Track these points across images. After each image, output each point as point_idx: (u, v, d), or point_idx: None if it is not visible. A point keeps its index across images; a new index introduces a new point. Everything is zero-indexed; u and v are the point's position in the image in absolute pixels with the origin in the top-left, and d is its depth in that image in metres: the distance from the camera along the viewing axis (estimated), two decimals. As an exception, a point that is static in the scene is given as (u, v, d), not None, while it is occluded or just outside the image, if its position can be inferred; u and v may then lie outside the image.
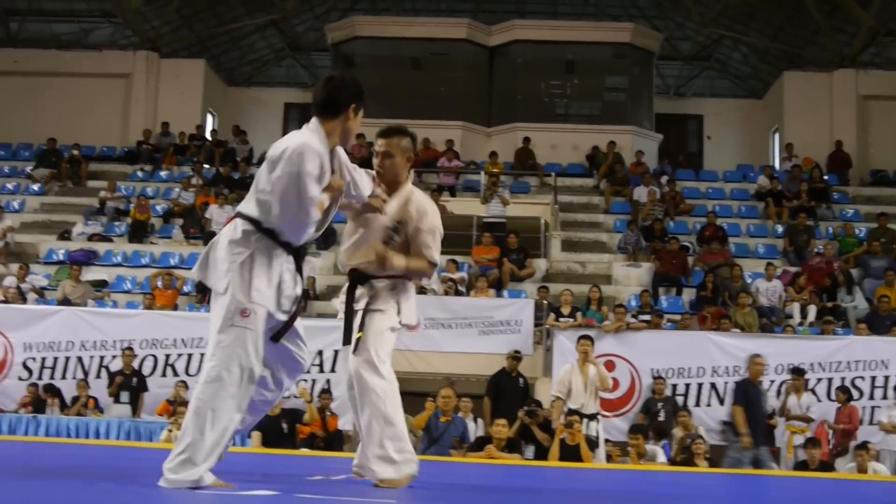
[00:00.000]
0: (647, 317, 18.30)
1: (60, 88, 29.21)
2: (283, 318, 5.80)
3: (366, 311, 6.47)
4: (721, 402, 16.83)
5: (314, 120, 5.98)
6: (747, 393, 14.33)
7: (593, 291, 18.72)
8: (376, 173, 6.57)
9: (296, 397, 16.12)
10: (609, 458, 14.60)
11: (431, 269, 6.62)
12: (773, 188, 24.55)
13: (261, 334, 5.62)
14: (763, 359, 14.71)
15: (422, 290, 18.99)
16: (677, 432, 15.43)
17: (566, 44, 29.75)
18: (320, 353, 17.36)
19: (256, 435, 14.91)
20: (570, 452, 13.47)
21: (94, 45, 30.55)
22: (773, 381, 16.34)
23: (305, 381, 16.87)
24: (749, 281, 20.51)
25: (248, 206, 5.72)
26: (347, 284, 6.57)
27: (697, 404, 16.82)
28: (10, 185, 26.29)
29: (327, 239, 22.36)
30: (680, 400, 16.74)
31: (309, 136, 5.84)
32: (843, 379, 16.87)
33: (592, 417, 14.58)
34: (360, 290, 6.53)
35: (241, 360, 5.51)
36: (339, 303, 6.72)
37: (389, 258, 6.37)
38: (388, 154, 6.61)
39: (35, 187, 25.94)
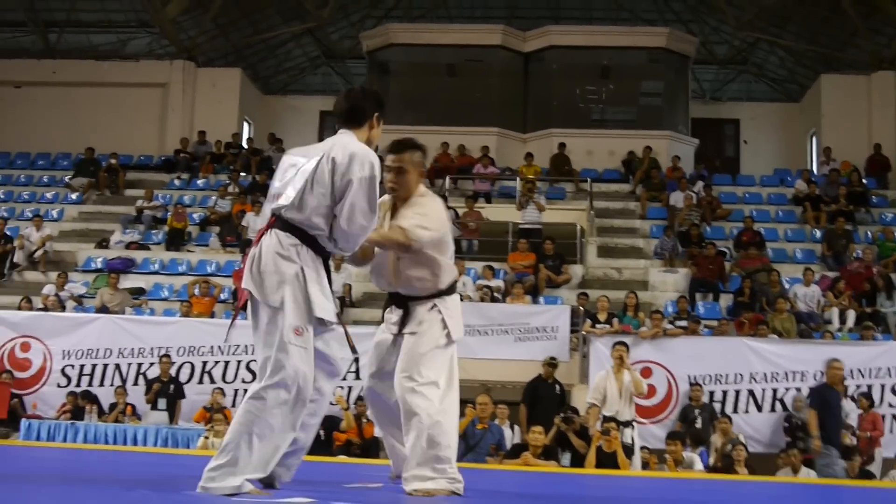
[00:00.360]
0: (683, 323, 18.22)
1: (98, 98, 29.43)
2: (339, 327, 5.83)
3: (404, 334, 6.48)
4: (759, 408, 16.73)
5: (344, 130, 5.95)
6: (824, 397, 14.33)
7: (630, 297, 18.64)
8: (390, 189, 6.51)
9: (332, 404, 16.14)
10: (646, 465, 14.53)
11: (407, 241, 6.30)
12: (811, 192, 24.38)
13: (312, 351, 5.62)
14: (841, 363, 14.66)
15: (457, 297, 18.96)
16: (716, 439, 15.35)
17: (601, 49, 29.65)
18: (356, 360, 17.30)
19: (293, 442, 14.90)
20: (606, 459, 13.43)
21: (132, 56, 30.77)
22: (811, 388, 16.20)
23: (342, 388, 16.90)
24: (787, 286, 20.38)
25: (292, 212, 5.67)
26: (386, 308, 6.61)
27: (735, 411, 16.67)
28: (48, 195, 26.51)
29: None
30: (717, 407, 16.63)
31: (359, 144, 5.80)
32: (882, 386, 16.71)
33: (627, 424, 14.50)
34: (397, 314, 6.58)
35: (297, 378, 5.52)
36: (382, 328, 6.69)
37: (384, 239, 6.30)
38: (401, 170, 6.52)
39: (73, 196, 26.13)
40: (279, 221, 5.73)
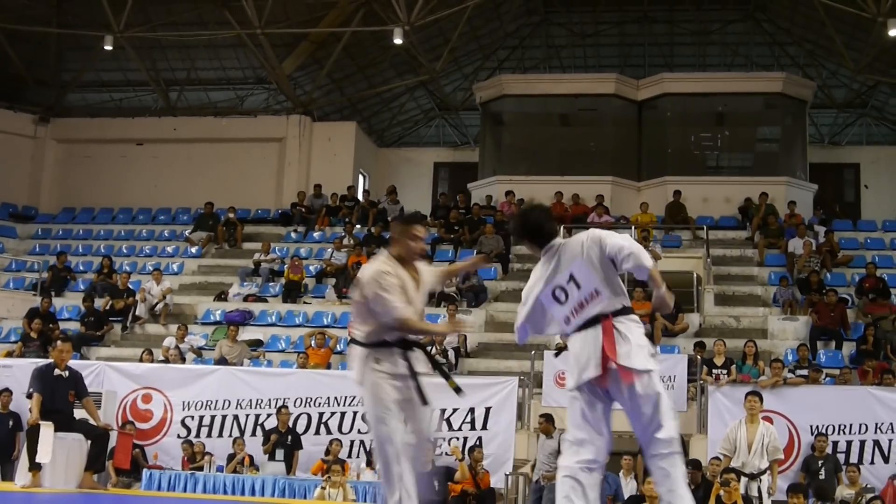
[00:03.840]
0: (804, 371, 17.82)
1: (217, 154, 30.02)
2: None
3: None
4: (886, 459, 16.26)
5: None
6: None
7: (748, 346, 18.30)
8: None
9: (447, 455, 16.11)
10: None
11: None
12: (936, 237, 23.79)
13: None
14: None
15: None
16: (842, 491, 14.93)
17: (716, 95, 29.37)
18: (472, 410, 17.34)
19: (409, 492, 14.89)
20: (726, 511, 13.14)
21: (249, 111, 31.36)
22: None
23: (458, 438, 16.88)
24: (912, 333, 19.86)
25: (610, 301, 6.58)
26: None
27: (860, 462, 16.22)
28: (169, 249, 27.05)
29: (478, 297, 22.43)
30: (841, 458, 16.19)
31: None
32: None
33: (754, 477, 14.11)
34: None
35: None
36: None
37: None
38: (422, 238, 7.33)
39: (193, 250, 26.58)
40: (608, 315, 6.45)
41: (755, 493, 13.98)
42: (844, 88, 31.91)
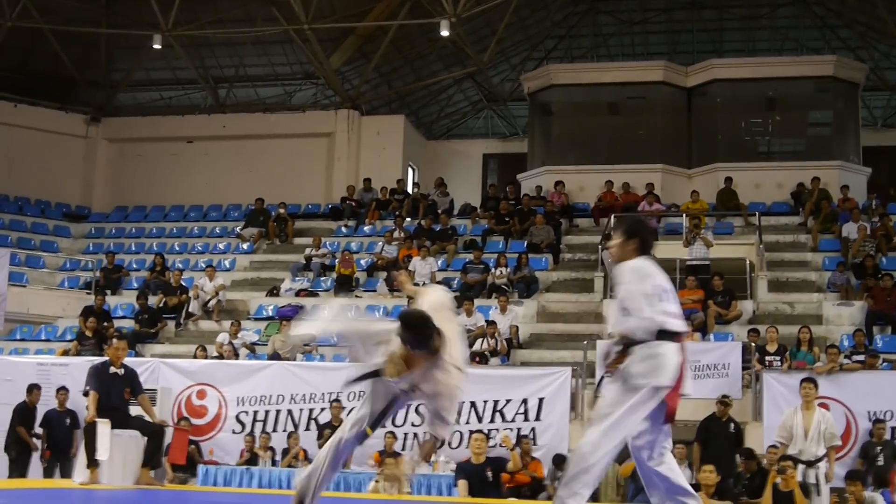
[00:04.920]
0: (861, 357, 17.61)
1: (267, 150, 30.18)
2: None
3: None
4: (947, 445, 16.03)
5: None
6: None
7: (803, 332, 18.12)
8: None
9: (501, 446, 16.09)
10: (829, 505, 14.00)
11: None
12: None
13: None
14: None
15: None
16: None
17: (766, 80, 29.09)
18: (525, 401, 17.31)
19: (462, 483, 14.92)
20: (783, 499, 13.03)
21: (298, 107, 31.53)
22: None
23: (511, 430, 16.85)
24: (970, 316, 19.59)
25: None
26: None
27: (919, 447, 16.03)
28: (221, 245, 27.23)
29: (529, 287, 22.38)
30: (900, 443, 16.01)
31: None
32: None
33: (811, 464, 13.97)
34: None
35: None
36: None
37: None
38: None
39: (244, 246, 26.74)
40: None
41: (812, 481, 13.82)
42: (897, 70, 31.52)
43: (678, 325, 7.15)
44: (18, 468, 17.31)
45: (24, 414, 17.77)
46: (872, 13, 28.64)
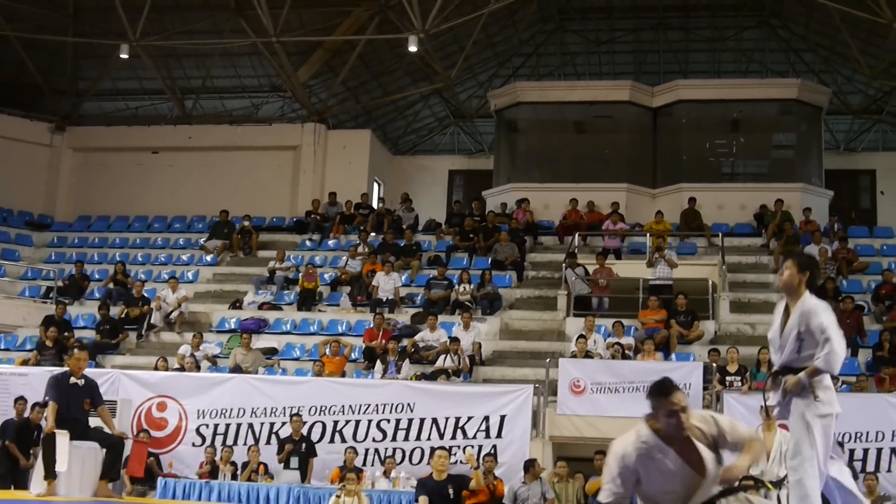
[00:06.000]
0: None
1: (232, 162, 30.11)
2: None
3: None
4: (902, 467, 16.17)
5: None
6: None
7: (763, 353, 18.18)
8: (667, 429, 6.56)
9: (462, 463, 16.09)
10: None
11: (760, 440, 6.85)
12: (953, 244, 23.66)
13: None
14: None
15: (587, 355, 18.84)
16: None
17: (731, 102, 29.32)
18: (486, 418, 17.32)
19: (423, 500, 14.90)
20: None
21: (264, 119, 31.50)
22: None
23: (472, 446, 16.85)
24: (930, 340, 19.76)
25: None
26: None
27: (877, 469, 16.12)
28: (184, 257, 27.11)
29: (493, 304, 22.41)
30: (858, 466, 16.10)
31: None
32: None
33: (777, 485, 13.98)
34: None
35: None
36: None
37: (737, 473, 6.51)
38: (685, 410, 6.52)
39: (208, 258, 26.64)
40: None
41: (775, 502, 13.86)
42: (860, 94, 31.83)
43: None
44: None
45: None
46: (836, 37, 28.92)
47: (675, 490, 6.45)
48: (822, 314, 7.57)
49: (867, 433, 16.34)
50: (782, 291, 7.94)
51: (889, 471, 16.16)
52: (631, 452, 6.50)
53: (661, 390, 6.53)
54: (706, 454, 6.41)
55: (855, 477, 15.36)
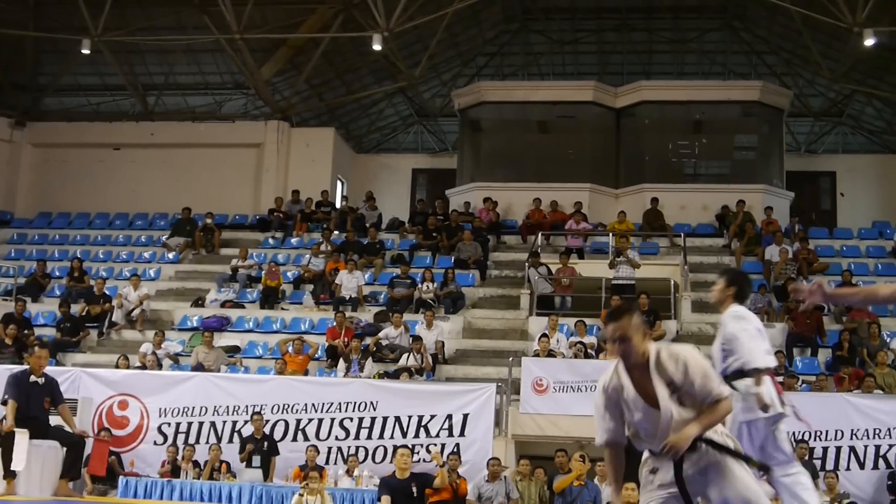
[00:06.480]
0: (780, 378, 17.84)
1: (195, 159, 29.95)
2: None
3: None
4: (861, 466, 16.31)
5: None
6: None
7: (725, 352, 18.32)
8: (620, 359, 6.37)
9: (426, 461, 16.10)
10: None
11: (728, 404, 6.30)
12: (911, 245, 23.91)
13: None
14: None
15: (550, 354, 18.89)
16: (822, 496, 14.96)
17: (693, 103, 29.48)
18: (449, 416, 17.32)
19: (386, 499, 14.89)
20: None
21: (227, 117, 31.33)
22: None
23: (435, 445, 16.85)
24: (887, 339, 19.95)
25: None
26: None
27: (836, 468, 16.26)
28: (146, 254, 26.96)
29: (456, 303, 22.44)
30: (818, 464, 16.24)
31: None
32: None
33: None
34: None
35: None
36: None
37: (685, 440, 6.15)
38: (624, 338, 6.28)
39: (170, 256, 26.50)
40: None
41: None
42: (821, 97, 32.11)
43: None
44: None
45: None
46: (797, 41, 29.14)
47: (644, 427, 6.31)
48: (730, 323, 7.57)
49: (827, 432, 16.49)
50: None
51: (848, 469, 16.31)
52: (608, 383, 6.41)
53: (609, 314, 6.37)
54: (661, 391, 6.15)
55: (815, 476, 15.56)
